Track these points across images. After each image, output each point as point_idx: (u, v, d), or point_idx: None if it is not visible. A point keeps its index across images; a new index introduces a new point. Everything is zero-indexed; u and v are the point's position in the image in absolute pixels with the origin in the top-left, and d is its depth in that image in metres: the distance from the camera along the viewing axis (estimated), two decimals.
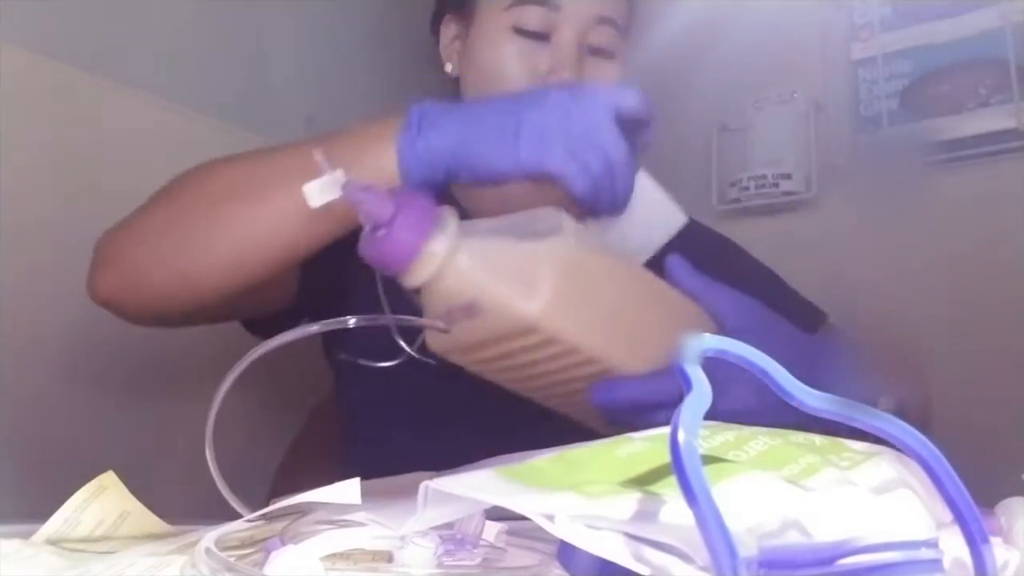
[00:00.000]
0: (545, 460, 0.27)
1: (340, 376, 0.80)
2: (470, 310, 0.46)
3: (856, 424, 0.24)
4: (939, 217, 0.99)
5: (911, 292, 0.98)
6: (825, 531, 0.23)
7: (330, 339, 0.75)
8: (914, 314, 0.98)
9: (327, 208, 0.50)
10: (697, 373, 0.21)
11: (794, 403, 0.24)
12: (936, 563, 0.20)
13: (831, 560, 0.20)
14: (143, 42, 0.91)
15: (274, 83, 1.07)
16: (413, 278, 0.46)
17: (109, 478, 0.37)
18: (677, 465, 0.19)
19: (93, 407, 0.81)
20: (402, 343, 0.65)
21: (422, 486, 0.25)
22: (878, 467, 0.28)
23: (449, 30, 0.81)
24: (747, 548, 0.21)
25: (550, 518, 0.23)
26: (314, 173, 0.50)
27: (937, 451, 0.23)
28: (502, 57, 0.76)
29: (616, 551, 0.22)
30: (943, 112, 1.00)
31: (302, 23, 1.12)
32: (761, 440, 0.28)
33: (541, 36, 0.75)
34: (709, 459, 0.25)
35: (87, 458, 0.77)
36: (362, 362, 0.67)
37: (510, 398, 0.66)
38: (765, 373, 0.23)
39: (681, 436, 0.19)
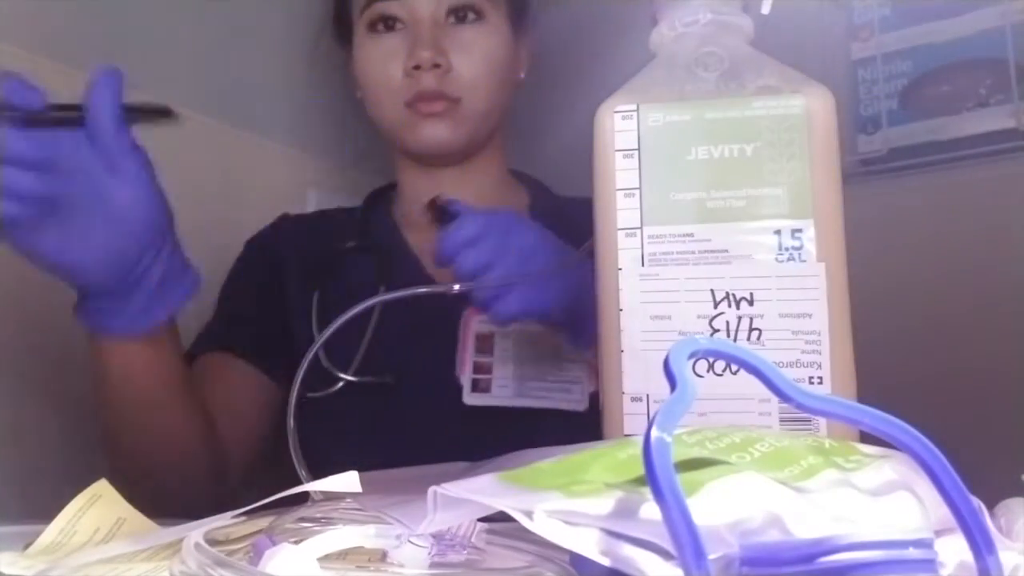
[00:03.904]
0: (548, 463, 0.27)
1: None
2: None
3: (859, 426, 0.24)
4: (938, 217, 0.99)
5: (910, 291, 0.98)
6: (806, 530, 0.22)
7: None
8: (913, 313, 0.97)
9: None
10: (684, 373, 0.21)
11: (792, 404, 0.24)
12: (928, 563, 0.20)
13: (812, 557, 0.20)
14: (143, 43, 0.91)
15: (273, 85, 1.07)
16: None
17: (102, 486, 0.37)
18: (647, 461, 0.19)
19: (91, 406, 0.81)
20: (334, 370, 0.68)
21: (431, 491, 0.26)
22: (881, 470, 0.28)
23: (350, 59, 0.81)
24: (729, 546, 0.21)
25: (529, 515, 0.23)
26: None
27: (937, 451, 0.22)
28: (369, 60, 0.77)
29: (590, 546, 0.22)
30: (943, 112, 1.00)
31: (307, 26, 1.12)
32: (767, 442, 0.28)
33: (397, 27, 0.75)
34: (710, 461, 0.25)
35: (88, 458, 0.77)
36: (309, 395, 0.68)
37: (464, 415, 0.67)
38: (758, 372, 0.23)
39: (654, 433, 0.19)
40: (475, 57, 0.75)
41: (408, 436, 0.70)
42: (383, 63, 0.75)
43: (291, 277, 0.78)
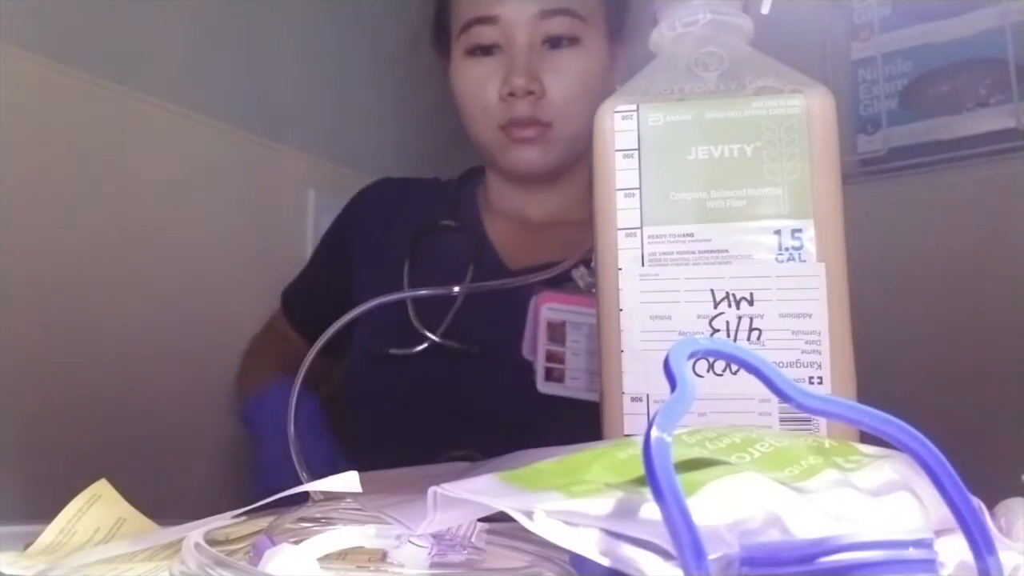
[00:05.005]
0: (548, 463, 0.27)
1: (360, 367, 0.80)
2: None
3: (859, 426, 0.24)
4: (938, 217, 0.99)
5: (910, 291, 0.98)
6: (806, 530, 0.22)
7: (351, 329, 0.77)
8: (913, 313, 0.97)
9: None
10: (684, 374, 0.21)
11: (792, 404, 0.24)
12: (928, 563, 0.20)
13: (812, 557, 0.20)
14: (145, 45, 0.91)
15: (276, 86, 1.07)
16: None
17: (102, 486, 0.37)
18: (647, 461, 0.19)
19: (93, 407, 0.81)
20: (424, 331, 0.72)
21: (431, 491, 0.26)
22: (881, 470, 0.27)
23: (448, 67, 0.83)
24: (729, 546, 0.21)
25: (529, 515, 0.23)
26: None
27: (937, 451, 0.22)
28: (466, 83, 0.79)
29: (590, 546, 0.22)
30: (943, 112, 1.00)
31: (305, 27, 1.12)
32: (767, 442, 0.28)
33: (494, 52, 0.77)
34: (710, 461, 0.25)
35: (90, 458, 0.77)
36: (393, 352, 0.72)
37: (538, 399, 0.69)
38: (758, 372, 0.23)
39: (654, 433, 0.19)
40: (568, 82, 0.76)
41: (480, 409, 0.73)
42: (479, 86, 0.77)
43: (379, 242, 0.84)
